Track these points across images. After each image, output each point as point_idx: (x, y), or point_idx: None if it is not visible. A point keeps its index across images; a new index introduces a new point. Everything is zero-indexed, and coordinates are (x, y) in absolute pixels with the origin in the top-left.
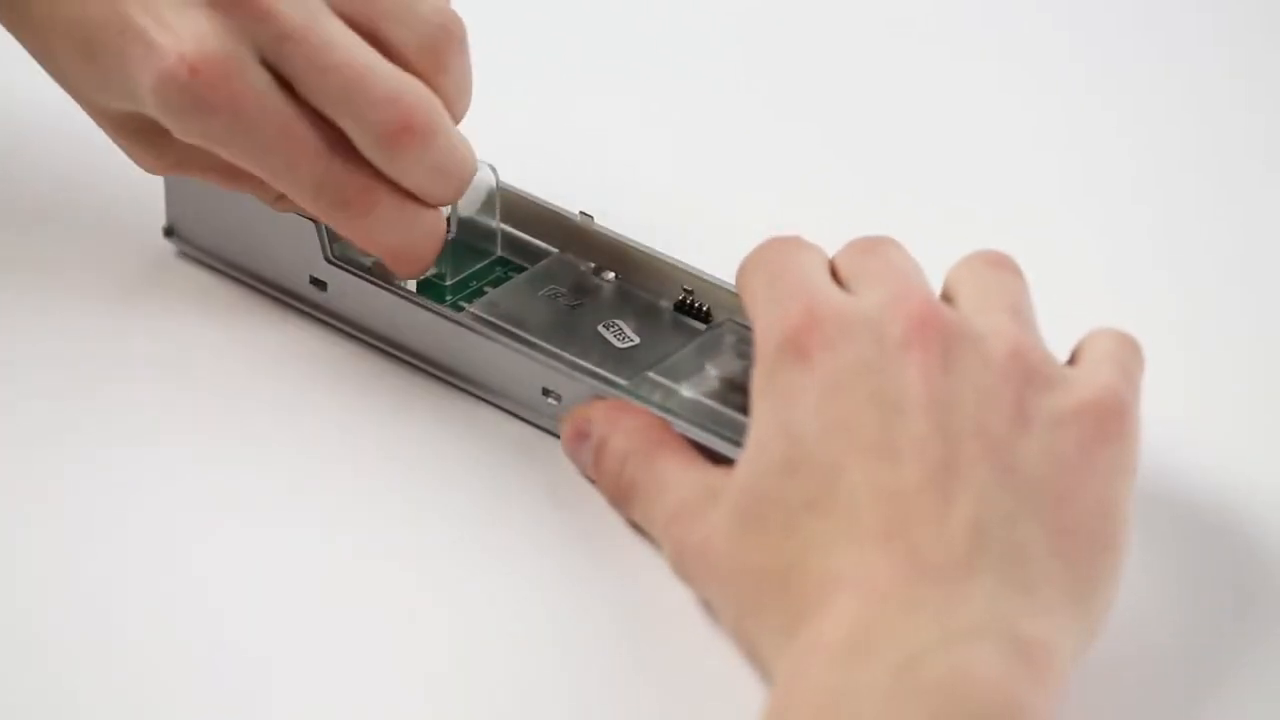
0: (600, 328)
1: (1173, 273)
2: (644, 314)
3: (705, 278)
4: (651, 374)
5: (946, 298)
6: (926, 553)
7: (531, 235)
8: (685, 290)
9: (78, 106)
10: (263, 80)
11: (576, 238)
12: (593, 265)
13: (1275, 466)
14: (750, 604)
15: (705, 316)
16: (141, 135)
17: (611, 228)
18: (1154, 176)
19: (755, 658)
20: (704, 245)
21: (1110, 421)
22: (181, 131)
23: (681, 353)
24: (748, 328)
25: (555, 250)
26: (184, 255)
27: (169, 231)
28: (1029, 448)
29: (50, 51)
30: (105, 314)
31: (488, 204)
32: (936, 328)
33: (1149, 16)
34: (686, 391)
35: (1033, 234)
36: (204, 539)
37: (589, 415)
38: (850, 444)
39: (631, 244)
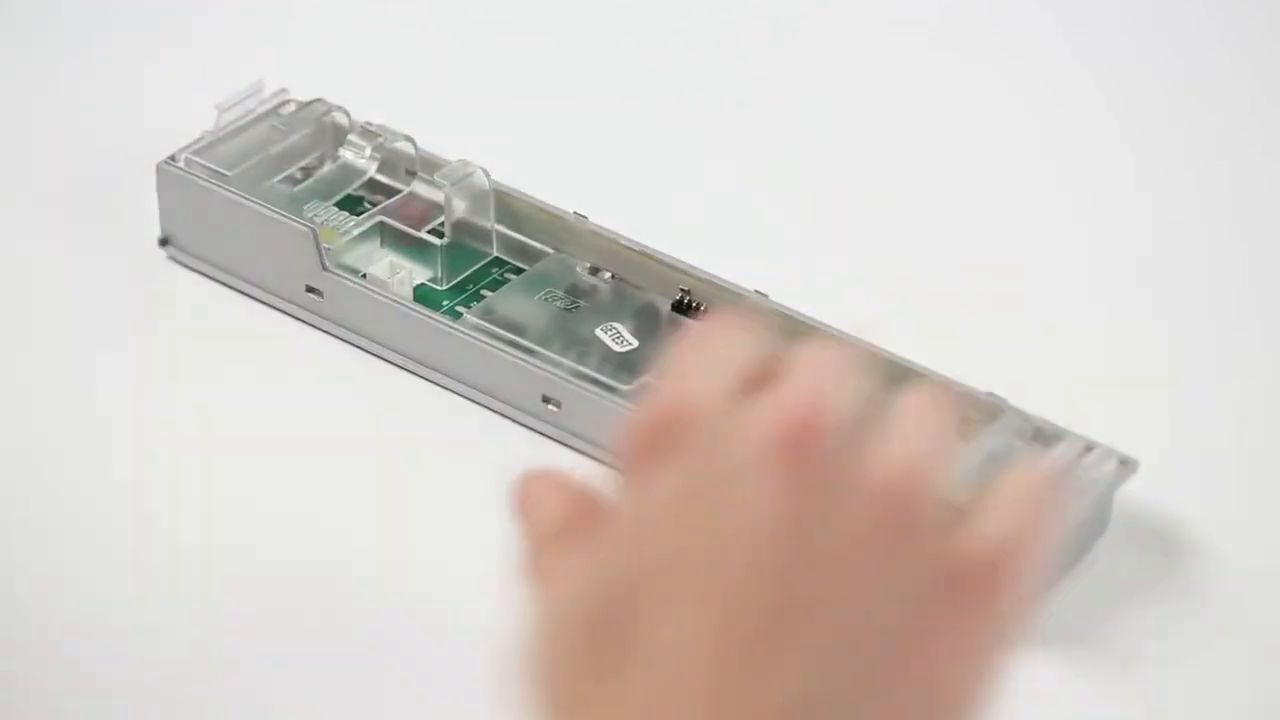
0: (598, 331)
1: (1173, 277)
2: (641, 315)
3: (702, 276)
4: (650, 378)
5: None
6: None
7: (526, 236)
8: (682, 290)
9: (75, 113)
10: None
11: (572, 238)
12: (588, 265)
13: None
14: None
15: (703, 315)
16: None
17: (606, 227)
18: (1154, 179)
19: None
20: (701, 245)
21: (981, 593)
22: None
23: None
24: None
25: (551, 251)
26: (180, 264)
27: (164, 241)
28: (877, 613)
29: None
30: (102, 323)
31: (482, 205)
32: (805, 443)
33: (1155, 25)
34: None
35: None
36: (199, 548)
37: (519, 489)
38: (674, 583)
39: (627, 243)
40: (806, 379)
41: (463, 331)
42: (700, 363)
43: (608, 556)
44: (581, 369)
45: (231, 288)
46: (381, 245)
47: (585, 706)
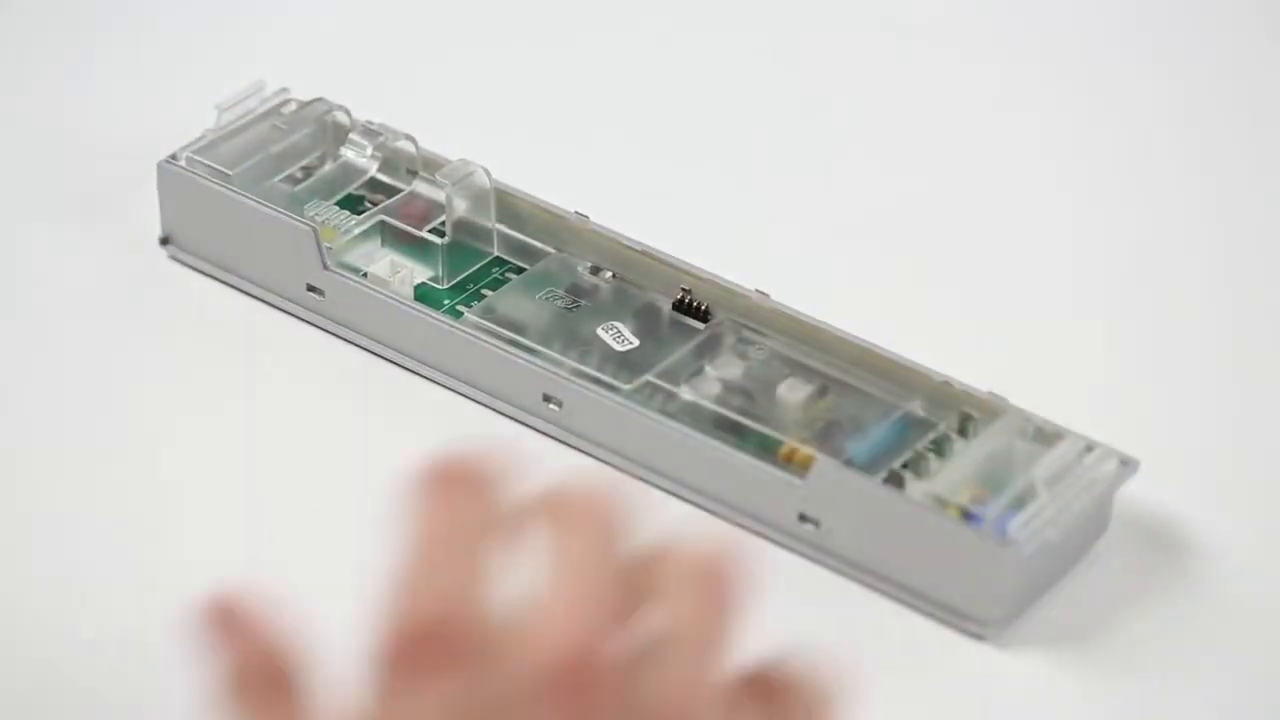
0: (599, 330)
1: (1174, 277)
2: (642, 314)
3: (703, 276)
4: (652, 377)
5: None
6: None
7: (527, 235)
8: (683, 289)
9: (75, 113)
10: None
11: (573, 237)
12: (589, 265)
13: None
14: None
15: (704, 315)
16: None
17: (607, 226)
18: (1154, 179)
19: None
20: (702, 245)
21: None
22: None
23: (681, 354)
24: (747, 326)
25: (552, 250)
26: (180, 263)
27: (165, 240)
28: None
29: None
30: (102, 323)
31: (483, 204)
32: (584, 682)
33: (1156, 23)
34: (686, 395)
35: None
36: (199, 545)
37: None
38: None
39: (628, 243)
40: (570, 592)
41: (464, 331)
42: (453, 546)
43: None
44: (582, 368)
45: (232, 287)
46: (382, 244)
47: None
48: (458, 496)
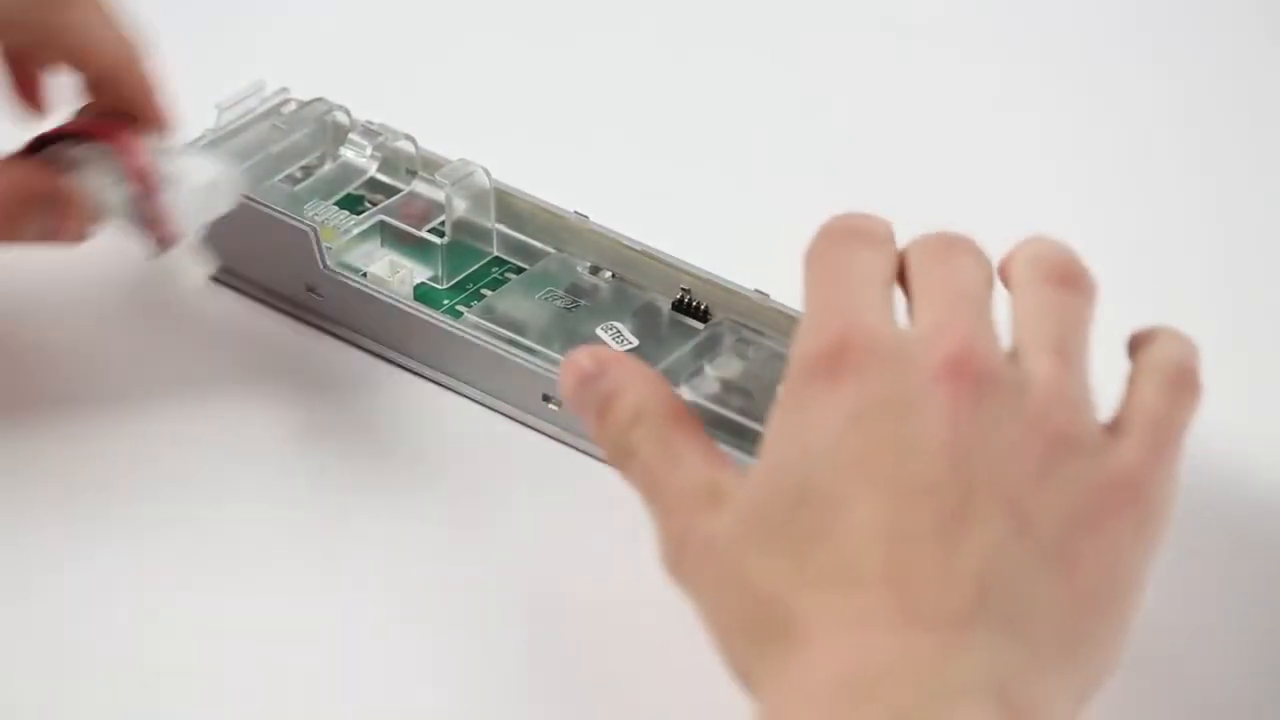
0: (599, 330)
1: (1174, 276)
2: (642, 314)
3: (702, 276)
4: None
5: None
6: (926, 601)
7: (527, 235)
8: (683, 289)
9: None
10: None
11: (572, 237)
12: (589, 265)
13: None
14: (743, 621)
15: (703, 315)
16: None
17: (607, 226)
18: (1153, 179)
19: (740, 675)
20: (702, 244)
21: (1126, 496)
22: None
23: (681, 354)
24: (746, 326)
25: (551, 250)
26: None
27: None
28: (1046, 507)
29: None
30: (99, 323)
31: (483, 204)
32: (971, 371)
33: (1156, 21)
34: (686, 394)
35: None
36: (198, 541)
37: (603, 359)
38: (864, 480)
39: (627, 242)
40: (954, 299)
41: (463, 330)
42: (848, 287)
43: (812, 440)
44: None
45: (231, 286)
46: (382, 244)
47: (801, 561)
48: (854, 242)
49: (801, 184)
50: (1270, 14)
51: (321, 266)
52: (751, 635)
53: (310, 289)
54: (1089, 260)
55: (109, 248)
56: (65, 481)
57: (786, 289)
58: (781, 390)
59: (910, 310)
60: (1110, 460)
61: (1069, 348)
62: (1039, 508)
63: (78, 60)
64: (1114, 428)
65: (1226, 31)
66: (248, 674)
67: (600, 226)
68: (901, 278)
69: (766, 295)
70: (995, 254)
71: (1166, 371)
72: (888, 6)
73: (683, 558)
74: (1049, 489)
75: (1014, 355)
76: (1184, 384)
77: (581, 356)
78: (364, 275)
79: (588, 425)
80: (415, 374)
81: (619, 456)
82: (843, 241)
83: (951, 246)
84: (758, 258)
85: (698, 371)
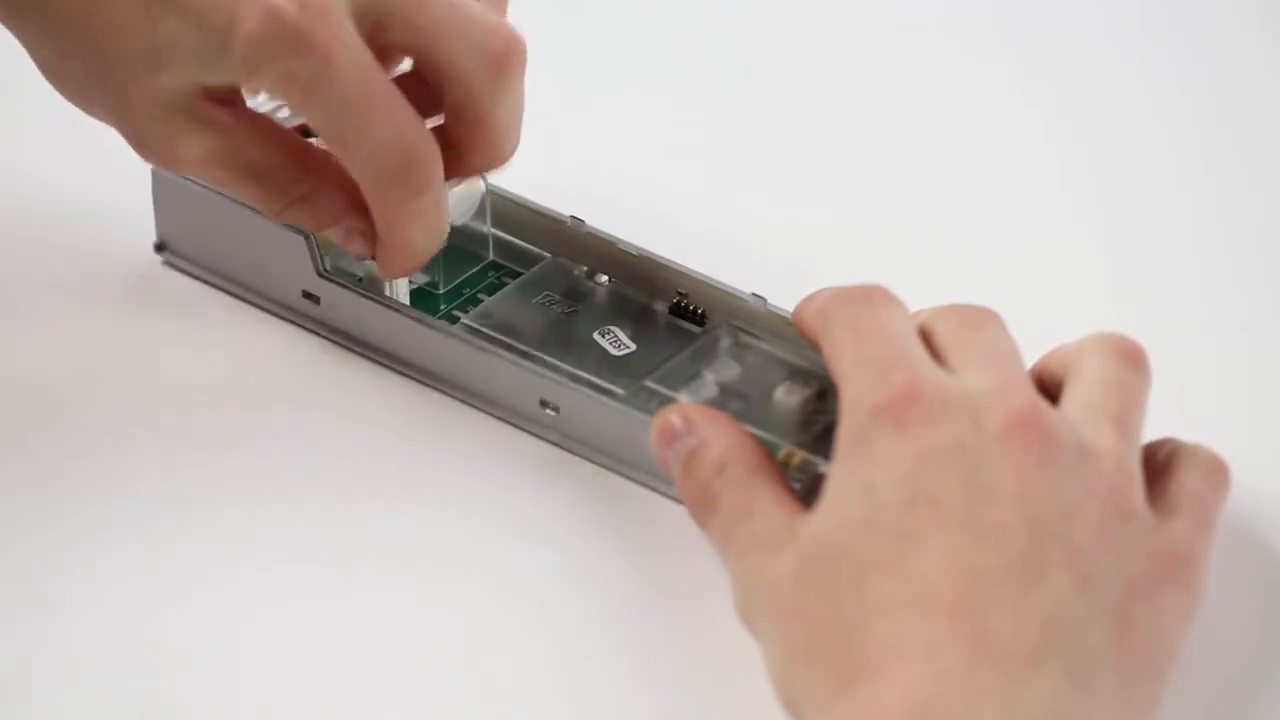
0: (596, 335)
1: (1174, 276)
2: (639, 318)
3: (699, 279)
4: (649, 382)
5: (1056, 379)
6: (996, 637)
7: (523, 240)
8: (679, 293)
9: (71, 120)
10: (354, 33)
11: (568, 242)
12: (585, 269)
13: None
14: (803, 652)
15: (700, 319)
16: (184, 116)
17: (603, 230)
18: (1154, 178)
19: (795, 708)
20: (699, 248)
21: (1179, 571)
22: (267, 75)
23: (678, 358)
24: (744, 330)
25: (547, 255)
26: (175, 269)
27: (159, 247)
28: (1107, 568)
29: (76, 45)
30: (97, 330)
31: (479, 209)
32: (1038, 432)
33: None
34: (684, 399)
35: (1031, 236)
36: (194, 551)
37: (690, 416)
38: (934, 517)
39: (624, 247)
40: (1003, 364)
41: (460, 336)
42: (893, 343)
43: (880, 477)
44: (579, 373)
45: (227, 293)
46: None
47: (866, 590)
48: (875, 302)
49: (799, 186)
50: (1270, 14)
51: (318, 272)
52: (809, 665)
53: (307, 294)
54: (1089, 259)
55: (109, 251)
56: (63, 485)
57: (783, 293)
58: (840, 435)
59: (949, 372)
60: (1164, 536)
61: (1130, 422)
62: (1101, 568)
63: (429, 66)
64: (1160, 507)
65: (1231, 31)
66: (247, 674)
67: (596, 231)
68: (928, 343)
69: (764, 299)
70: (996, 255)
71: (1208, 462)
72: (888, 6)
73: (752, 601)
74: (1109, 552)
75: (1069, 417)
76: (1222, 474)
77: (670, 414)
78: (360, 281)
79: (674, 480)
80: (412, 379)
81: (701, 508)
82: (864, 301)
83: (982, 314)
84: (754, 262)
85: (695, 375)
